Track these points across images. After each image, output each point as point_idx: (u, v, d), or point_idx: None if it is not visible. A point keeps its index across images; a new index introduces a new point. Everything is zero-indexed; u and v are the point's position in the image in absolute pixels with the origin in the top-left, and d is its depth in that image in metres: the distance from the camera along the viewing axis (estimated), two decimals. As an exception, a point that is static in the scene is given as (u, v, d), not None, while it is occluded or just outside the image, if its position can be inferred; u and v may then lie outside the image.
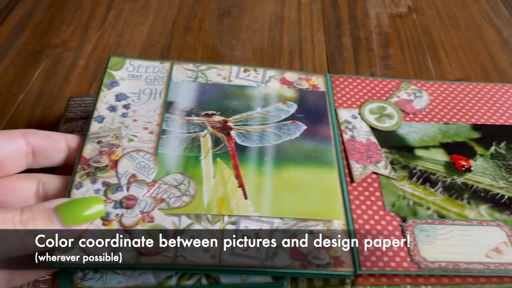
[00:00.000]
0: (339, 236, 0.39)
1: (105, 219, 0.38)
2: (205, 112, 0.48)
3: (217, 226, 0.39)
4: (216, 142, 0.45)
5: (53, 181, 0.41)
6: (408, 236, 0.39)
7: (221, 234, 0.38)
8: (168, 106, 0.48)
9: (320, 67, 0.63)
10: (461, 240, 0.39)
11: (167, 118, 0.46)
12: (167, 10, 0.74)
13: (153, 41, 0.68)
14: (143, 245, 0.37)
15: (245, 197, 0.41)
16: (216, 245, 0.38)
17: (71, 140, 0.43)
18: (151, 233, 0.38)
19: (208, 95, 0.49)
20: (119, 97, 0.47)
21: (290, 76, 0.52)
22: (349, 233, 0.39)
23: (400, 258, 0.38)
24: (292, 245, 0.38)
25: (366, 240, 0.39)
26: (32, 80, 0.62)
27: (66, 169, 0.44)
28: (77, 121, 0.51)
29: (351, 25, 0.69)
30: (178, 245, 0.37)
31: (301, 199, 0.41)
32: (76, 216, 0.36)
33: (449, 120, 0.49)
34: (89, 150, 0.43)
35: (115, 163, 0.42)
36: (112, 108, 0.46)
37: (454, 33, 0.67)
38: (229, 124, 0.47)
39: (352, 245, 0.38)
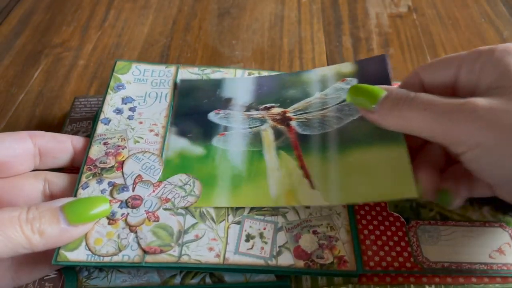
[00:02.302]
0: (342, 236, 0.39)
1: (111, 218, 0.38)
2: (264, 106, 0.48)
3: (222, 225, 0.39)
4: (277, 134, 0.45)
5: (59, 181, 0.41)
6: (411, 237, 0.40)
7: (226, 234, 0.39)
8: (225, 102, 0.48)
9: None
10: (464, 241, 0.40)
11: (227, 114, 0.47)
12: (167, 10, 0.74)
13: (153, 41, 0.68)
14: (148, 244, 0.37)
15: (312, 187, 0.41)
16: (220, 244, 0.38)
17: (77, 141, 0.44)
18: (156, 232, 0.38)
19: (266, 88, 0.49)
20: (125, 100, 0.48)
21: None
22: (353, 233, 0.39)
23: (403, 258, 0.38)
24: (296, 245, 0.38)
25: (369, 241, 0.39)
26: (32, 80, 0.62)
27: (71, 171, 0.44)
28: (82, 121, 0.52)
29: (351, 25, 0.69)
30: (183, 244, 0.38)
31: (370, 181, 0.40)
32: (82, 215, 0.36)
33: None
34: (96, 151, 0.43)
35: (121, 164, 0.42)
36: (119, 111, 0.47)
37: (454, 33, 0.67)
38: (289, 114, 0.47)
39: (356, 245, 0.38)
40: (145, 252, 0.37)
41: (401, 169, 0.39)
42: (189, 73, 0.51)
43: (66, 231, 0.35)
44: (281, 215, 0.40)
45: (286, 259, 0.37)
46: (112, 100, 0.48)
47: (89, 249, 0.37)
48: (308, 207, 0.41)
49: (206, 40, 0.68)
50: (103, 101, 0.48)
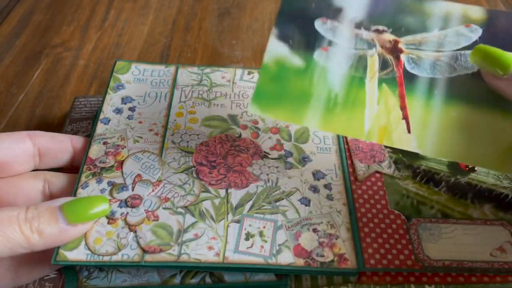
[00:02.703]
0: (343, 233, 0.39)
1: (110, 217, 0.38)
2: (376, 28, 0.43)
3: (221, 224, 0.39)
4: (383, 64, 0.42)
5: (59, 181, 0.41)
6: (412, 235, 0.39)
7: (225, 232, 0.38)
8: (335, 12, 0.44)
9: (320, 67, 0.63)
10: (465, 239, 0.39)
11: (334, 27, 0.43)
12: (167, 10, 0.74)
13: (153, 41, 0.68)
14: (147, 243, 0.37)
15: (408, 131, 0.38)
16: (220, 243, 0.38)
17: (77, 141, 0.44)
18: (156, 232, 0.38)
19: (382, 6, 0.45)
20: (125, 100, 0.48)
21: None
22: (353, 231, 0.39)
23: (404, 256, 0.38)
24: (296, 243, 0.38)
25: (370, 238, 0.39)
26: (32, 80, 0.62)
27: (71, 171, 0.44)
28: (82, 121, 0.52)
29: (351, 25, 0.69)
30: (183, 243, 0.37)
31: (469, 142, 0.37)
32: (81, 214, 0.36)
33: None
34: (95, 150, 0.43)
35: (120, 164, 0.42)
36: (118, 111, 0.47)
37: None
38: (400, 46, 0.42)
39: (356, 243, 0.38)
40: (144, 251, 0.37)
41: (503, 140, 0.37)
42: (188, 72, 0.51)
43: (65, 230, 0.35)
44: (281, 213, 0.40)
45: (286, 258, 0.37)
46: (112, 100, 0.48)
47: (89, 249, 0.36)
48: (308, 205, 0.41)
49: (206, 40, 0.68)
50: (102, 101, 0.48)
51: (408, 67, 0.41)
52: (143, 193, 0.40)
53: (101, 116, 0.46)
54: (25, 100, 0.59)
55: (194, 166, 0.43)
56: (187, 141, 0.45)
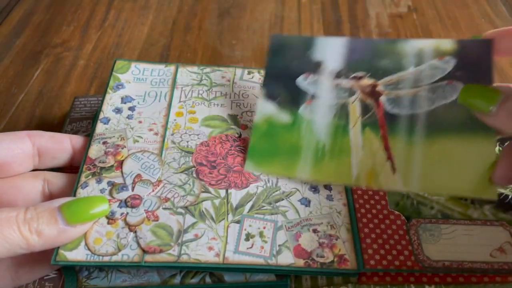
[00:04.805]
0: (343, 234, 0.39)
1: (110, 217, 0.38)
2: (355, 75, 0.45)
3: (221, 224, 0.39)
4: (365, 109, 0.43)
5: (59, 181, 0.41)
6: (412, 235, 0.39)
7: (225, 233, 0.38)
8: (315, 66, 0.46)
9: (320, 67, 0.63)
10: (465, 239, 0.40)
11: (316, 80, 0.45)
12: (167, 10, 0.74)
13: (153, 41, 0.68)
14: (147, 244, 0.37)
15: (394, 171, 0.39)
16: (220, 244, 0.38)
17: (76, 141, 0.44)
18: (156, 232, 0.38)
19: (358, 54, 0.46)
20: (124, 99, 0.48)
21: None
22: (353, 232, 0.39)
23: (404, 257, 0.38)
24: (296, 243, 0.38)
25: (370, 239, 0.39)
26: (32, 80, 0.62)
27: (71, 170, 0.44)
28: (82, 121, 0.52)
29: (351, 25, 0.69)
30: (183, 244, 0.37)
31: (454, 173, 0.38)
32: (80, 215, 0.36)
33: None
34: (95, 150, 0.43)
35: (120, 163, 0.42)
36: (118, 110, 0.47)
37: (454, 33, 0.67)
38: (379, 88, 0.44)
39: (356, 244, 0.38)
40: (144, 251, 0.37)
41: (485, 166, 0.37)
42: (188, 72, 0.51)
43: (64, 231, 0.35)
44: (281, 213, 0.40)
45: (286, 258, 0.37)
46: (112, 99, 0.48)
47: (89, 249, 0.36)
48: (308, 206, 0.41)
49: (206, 40, 0.68)
50: (102, 101, 0.47)
51: (388, 108, 0.42)
52: (143, 193, 0.40)
53: (101, 115, 0.46)
54: (25, 100, 0.59)
55: (194, 166, 0.43)
56: (187, 141, 0.45)
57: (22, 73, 0.63)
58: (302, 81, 0.45)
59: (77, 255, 0.36)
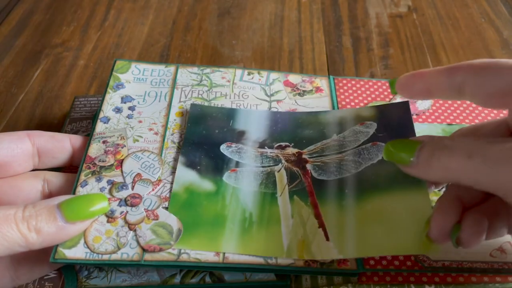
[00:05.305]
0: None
1: (110, 216, 0.38)
2: (279, 144, 0.45)
3: (221, 224, 0.39)
4: (292, 177, 0.42)
5: (58, 180, 0.41)
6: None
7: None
8: (238, 135, 0.45)
9: (320, 67, 0.63)
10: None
11: (240, 148, 0.44)
12: (167, 10, 0.74)
13: (153, 41, 0.68)
14: (147, 242, 0.37)
15: (327, 239, 0.38)
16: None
17: (76, 141, 0.44)
18: (156, 231, 0.38)
19: (280, 125, 0.46)
20: (124, 99, 0.48)
21: (294, 78, 0.52)
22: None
23: (403, 257, 0.38)
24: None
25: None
26: (32, 80, 0.62)
27: (71, 170, 0.44)
28: (82, 121, 0.52)
29: (351, 25, 0.69)
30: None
31: (389, 232, 0.38)
32: (80, 212, 0.36)
33: (453, 121, 0.48)
34: (95, 149, 0.43)
35: (120, 163, 0.42)
36: (118, 110, 0.47)
37: (454, 33, 0.67)
38: (304, 156, 0.44)
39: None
40: (144, 250, 0.37)
41: (423, 220, 0.37)
42: (188, 72, 0.51)
43: (63, 228, 0.35)
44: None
45: (286, 258, 0.37)
46: (112, 99, 0.48)
47: (88, 247, 0.36)
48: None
49: (206, 40, 0.68)
50: (102, 100, 0.48)
51: (315, 175, 0.42)
52: (143, 192, 0.40)
53: (101, 115, 0.46)
54: (25, 100, 0.59)
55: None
56: (187, 141, 0.45)
57: (22, 73, 0.63)
58: (225, 150, 0.44)
59: (76, 253, 0.36)
